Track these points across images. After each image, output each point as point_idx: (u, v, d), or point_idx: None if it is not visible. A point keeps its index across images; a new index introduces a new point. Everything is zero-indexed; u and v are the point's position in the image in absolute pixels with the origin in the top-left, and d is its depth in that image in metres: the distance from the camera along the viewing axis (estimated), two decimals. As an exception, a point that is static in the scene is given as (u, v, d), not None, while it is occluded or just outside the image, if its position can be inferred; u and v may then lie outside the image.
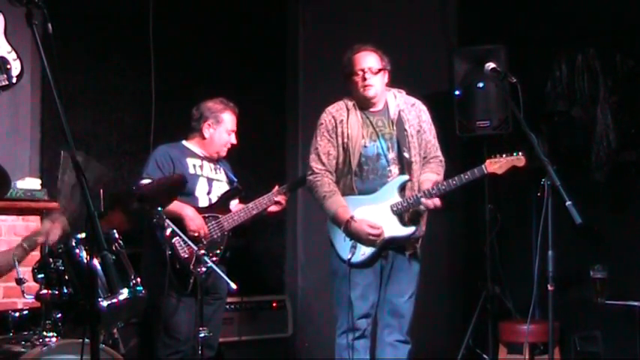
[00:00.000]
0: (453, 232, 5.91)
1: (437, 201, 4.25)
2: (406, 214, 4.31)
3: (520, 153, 4.28)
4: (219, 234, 4.59)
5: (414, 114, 4.43)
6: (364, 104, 4.39)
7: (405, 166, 4.33)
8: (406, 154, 4.32)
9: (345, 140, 4.32)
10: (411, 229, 4.30)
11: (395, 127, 4.36)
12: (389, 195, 4.30)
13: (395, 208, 4.28)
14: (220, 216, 4.62)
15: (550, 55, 5.68)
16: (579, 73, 5.55)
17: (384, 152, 4.33)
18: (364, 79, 4.32)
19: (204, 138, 4.71)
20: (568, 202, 3.55)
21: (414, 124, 4.39)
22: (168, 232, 4.21)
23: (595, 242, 5.38)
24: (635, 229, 5.34)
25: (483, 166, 4.27)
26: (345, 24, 6.11)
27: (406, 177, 4.32)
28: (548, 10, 5.70)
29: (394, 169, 4.34)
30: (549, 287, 3.66)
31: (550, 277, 3.66)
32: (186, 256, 4.41)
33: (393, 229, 4.28)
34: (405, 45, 5.88)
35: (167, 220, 4.17)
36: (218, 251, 4.57)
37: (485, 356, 5.47)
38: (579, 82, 5.55)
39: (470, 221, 5.94)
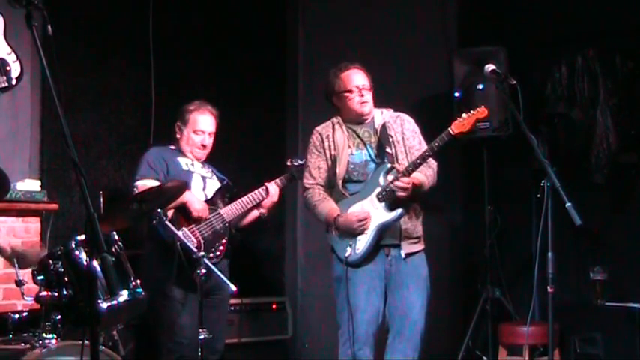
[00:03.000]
0: (452, 233, 5.91)
1: (404, 180, 4.25)
2: (391, 199, 4.31)
3: (482, 106, 4.31)
4: (221, 225, 4.60)
5: (399, 123, 4.51)
6: (356, 120, 4.48)
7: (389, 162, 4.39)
8: (389, 150, 4.39)
9: (333, 152, 4.44)
10: (397, 212, 4.31)
11: (379, 134, 4.45)
12: (374, 186, 4.35)
13: (380, 196, 4.32)
14: (219, 209, 4.64)
15: (550, 56, 5.68)
16: (579, 75, 5.55)
17: (371, 158, 4.42)
18: (362, 94, 4.43)
19: (177, 139, 4.74)
20: (568, 204, 3.55)
21: (398, 132, 4.47)
22: (175, 230, 4.19)
23: (595, 244, 5.38)
24: (635, 230, 5.34)
25: (449, 129, 4.29)
26: (345, 25, 6.11)
27: (388, 165, 4.36)
28: (547, 12, 5.70)
29: None
30: (549, 289, 3.66)
31: (550, 278, 3.65)
32: (195, 246, 4.39)
33: (381, 215, 4.31)
34: (405, 47, 5.88)
35: (167, 222, 4.17)
36: (223, 241, 4.58)
37: (484, 358, 5.47)
38: (579, 84, 5.56)
39: (469, 223, 5.94)
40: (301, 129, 6.34)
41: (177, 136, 4.74)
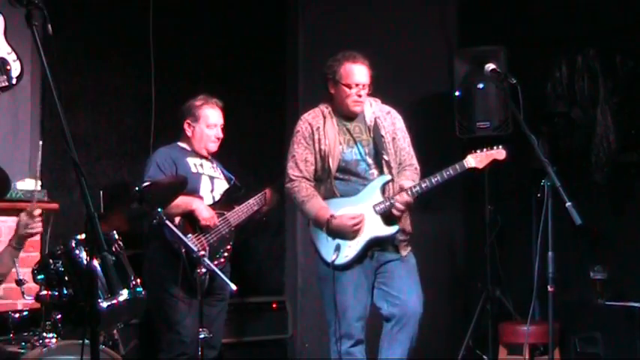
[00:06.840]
0: (453, 233, 5.92)
1: (405, 197, 4.23)
2: (388, 213, 4.29)
3: (500, 147, 4.29)
4: (227, 230, 4.59)
5: (390, 121, 4.44)
6: (347, 114, 4.41)
7: (384, 168, 4.34)
8: (385, 157, 4.34)
9: (323, 147, 4.33)
10: (394, 229, 4.28)
11: (372, 133, 4.38)
12: (371, 195, 4.30)
13: (377, 208, 4.28)
14: (225, 212, 4.63)
15: (550, 56, 5.68)
16: (579, 74, 5.55)
17: (362, 157, 4.36)
18: (359, 95, 4.35)
19: (188, 136, 4.72)
20: (568, 203, 3.55)
21: (389, 131, 4.41)
22: (176, 230, 4.18)
23: (595, 243, 5.38)
24: (635, 230, 5.34)
25: (464, 161, 4.30)
26: (345, 25, 6.10)
27: (388, 177, 4.33)
28: (548, 11, 5.71)
29: (375, 171, 4.35)
30: (549, 288, 3.66)
31: (550, 278, 3.65)
32: (202, 253, 4.38)
33: (377, 228, 4.28)
34: (405, 46, 5.88)
35: (167, 222, 4.17)
36: (228, 247, 4.58)
37: (485, 357, 5.47)
38: (579, 83, 5.55)
39: (470, 222, 5.94)
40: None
41: (188, 133, 4.71)
